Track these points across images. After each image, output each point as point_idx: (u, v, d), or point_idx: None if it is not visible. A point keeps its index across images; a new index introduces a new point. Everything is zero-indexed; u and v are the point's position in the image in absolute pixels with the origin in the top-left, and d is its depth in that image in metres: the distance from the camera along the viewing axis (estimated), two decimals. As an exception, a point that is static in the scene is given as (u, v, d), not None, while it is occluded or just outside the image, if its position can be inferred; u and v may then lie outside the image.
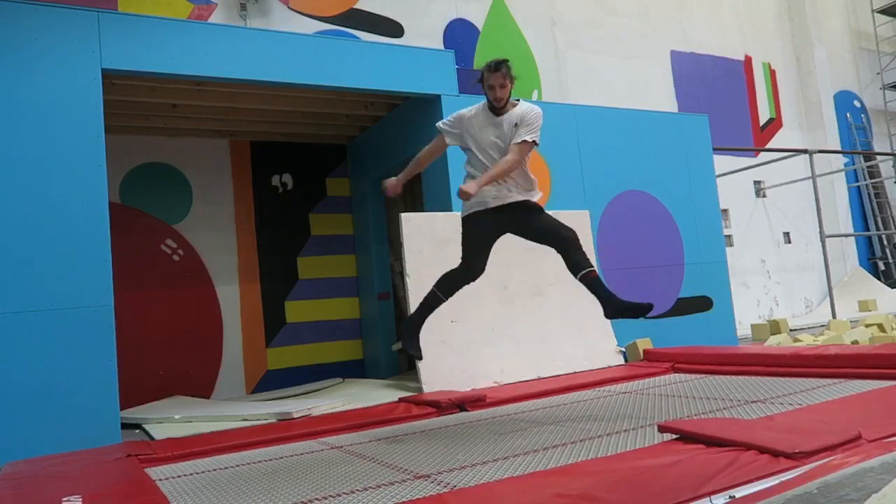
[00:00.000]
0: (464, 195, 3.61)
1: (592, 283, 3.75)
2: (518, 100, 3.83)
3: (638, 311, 3.77)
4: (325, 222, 7.69)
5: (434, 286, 3.97)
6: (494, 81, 3.66)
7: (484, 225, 3.82)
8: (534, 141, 3.70)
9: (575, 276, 3.77)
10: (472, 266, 3.92)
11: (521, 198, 3.78)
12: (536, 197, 3.86)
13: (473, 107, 3.86)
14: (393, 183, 4.01)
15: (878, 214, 12.96)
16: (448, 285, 3.96)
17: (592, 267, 3.75)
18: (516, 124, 3.69)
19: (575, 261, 3.73)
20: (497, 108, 3.72)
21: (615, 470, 2.46)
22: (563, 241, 3.74)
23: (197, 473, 3.32)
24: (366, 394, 5.76)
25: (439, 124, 3.97)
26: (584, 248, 3.77)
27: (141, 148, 6.77)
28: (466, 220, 3.88)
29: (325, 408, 4.99)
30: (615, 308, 3.79)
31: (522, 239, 3.98)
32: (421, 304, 4.04)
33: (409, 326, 4.09)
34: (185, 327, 6.75)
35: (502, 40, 8.96)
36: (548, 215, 3.89)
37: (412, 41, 8.15)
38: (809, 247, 11.82)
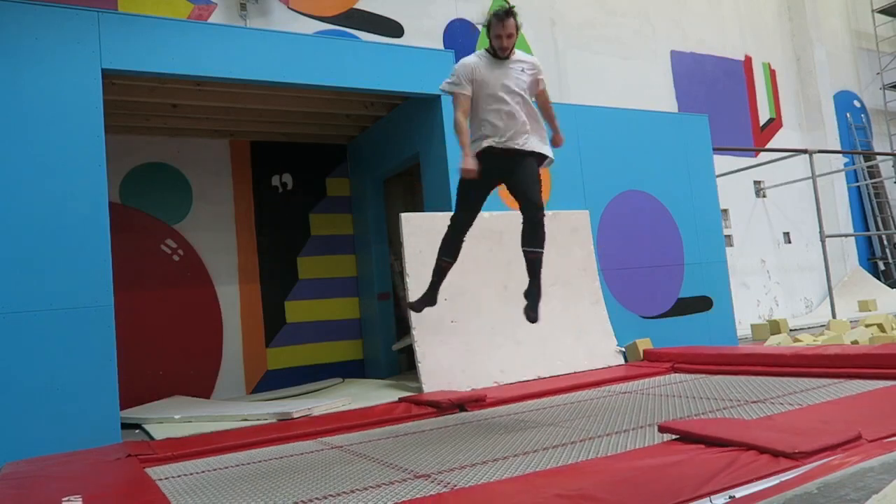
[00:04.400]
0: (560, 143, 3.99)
1: (531, 263, 3.91)
2: None
3: (532, 311, 3.96)
4: (325, 222, 7.69)
5: (438, 255, 4.03)
6: (502, 31, 3.67)
7: (493, 163, 3.77)
8: None
9: (522, 246, 3.90)
10: (473, 210, 3.94)
11: (535, 148, 3.84)
12: (548, 150, 3.93)
13: (471, 57, 3.83)
14: (471, 162, 3.69)
15: (878, 214, 12.97)
16: (450, 246, 3.99)
17: (541, 250, 3.87)
18: (522, 70, 3.80)
19: (530, 235, 3.84)
20: (501, 57, 3.76)
21: (615, 470, 2.46)
22: (530, 206, 3.78)
23: (197, 473, 3.32)
24: (366, 394, 5.77)
25: (454, 89, 3.78)
26: (544, 228, 3.85)
27: (141, 148, 6.77)
28: (478, 157, 3.76)
29: (324, 408, 4.99)
30: (529, 294, 3.97)
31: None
32: (432, 279, 4.11)
33: (424, 299, 4.16)
34: (185, 327, 6.75)
35: (502, 40, 8.94)
36: (536, 170, 3.87)
37: (412, 41, 8.15)
38: (809, 247, 11.82)
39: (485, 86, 3.74)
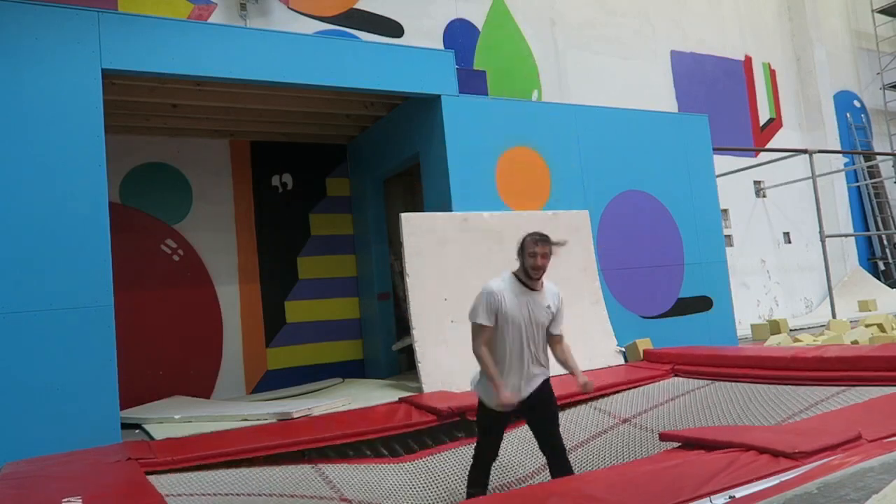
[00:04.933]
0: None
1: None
2: None
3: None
4: (325, 222, 7.69)
5: (468, 490, 3.56)
6: (538, 249, 3.46)
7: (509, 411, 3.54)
8: None
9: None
10: (498, 437, 3.58)
11: (543, 376, 3.57)
12: (549, 372, 3.63)
13: (497, 282, 3.59)
14: (508, 395, 3.46)
15: (878, 214, 12.96)
16: (479, 478, 3.56)
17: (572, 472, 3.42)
18: (548, 306, 3.56)
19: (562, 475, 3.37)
20: (533, 279, 3.51)
21: (616, 471, 2.46)
22: (556, 453, 3.44)
23: (196, 493, 3.30)
24: (366, 394, 5.76)
25: (483, 322, 3.55)
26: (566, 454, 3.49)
27: (141, 148, 6.77)
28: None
29: (324, 408, 4.99)
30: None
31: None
32: None
33: None
34: (185, 327, 6.75)
35: (502, 40, 8.95)
36: (555, 401, 3.62)
37: (412, 41, 8.14)
38: (809, 247, 11.82)
39: (508, 315, 3.49)
